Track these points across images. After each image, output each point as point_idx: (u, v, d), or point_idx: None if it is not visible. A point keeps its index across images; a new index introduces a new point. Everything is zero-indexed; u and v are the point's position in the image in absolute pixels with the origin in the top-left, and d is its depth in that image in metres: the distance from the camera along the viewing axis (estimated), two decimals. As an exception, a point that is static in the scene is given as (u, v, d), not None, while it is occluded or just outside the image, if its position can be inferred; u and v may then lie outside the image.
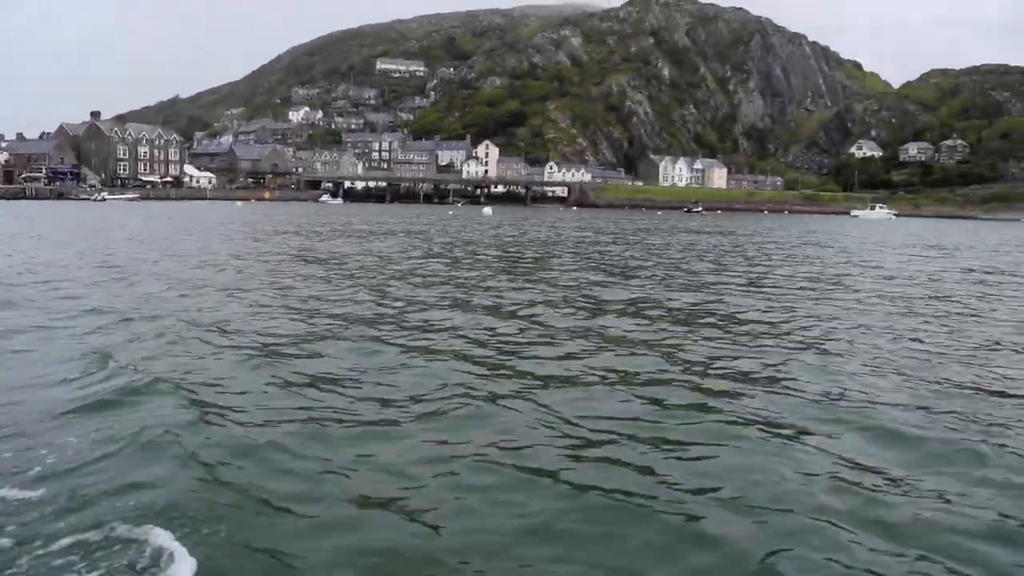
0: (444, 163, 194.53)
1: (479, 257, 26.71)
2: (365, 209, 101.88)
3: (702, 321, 13.28)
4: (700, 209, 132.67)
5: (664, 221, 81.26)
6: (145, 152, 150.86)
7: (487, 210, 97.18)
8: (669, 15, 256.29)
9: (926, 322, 13.82)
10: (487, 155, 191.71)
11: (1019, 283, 22.38)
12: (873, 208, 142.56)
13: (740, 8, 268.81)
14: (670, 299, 15.99)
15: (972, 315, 15.01)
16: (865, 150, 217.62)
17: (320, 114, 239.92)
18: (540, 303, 14.77)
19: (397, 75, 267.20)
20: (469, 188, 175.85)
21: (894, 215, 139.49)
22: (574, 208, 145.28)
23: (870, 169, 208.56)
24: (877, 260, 30.37)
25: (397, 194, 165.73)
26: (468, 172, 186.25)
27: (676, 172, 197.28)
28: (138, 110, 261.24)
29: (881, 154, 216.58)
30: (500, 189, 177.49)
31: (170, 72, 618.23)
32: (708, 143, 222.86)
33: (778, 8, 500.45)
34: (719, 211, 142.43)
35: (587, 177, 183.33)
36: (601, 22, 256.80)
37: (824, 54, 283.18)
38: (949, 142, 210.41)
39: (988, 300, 17.76)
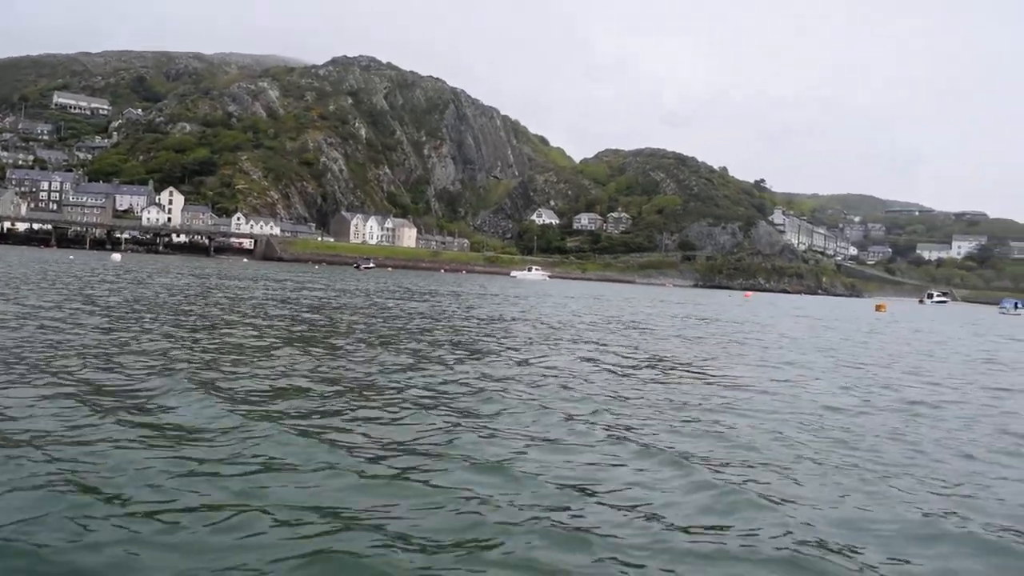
0: (123, 208, 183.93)
1: None
2: None
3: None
4: (372, 265, 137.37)
5: (319, 274, 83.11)
6: None
7: (116, 256, 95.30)
8: (369, 78, 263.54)
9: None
10: (171, 202, 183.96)
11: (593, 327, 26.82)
12: (530, 270, 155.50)
13: (438, 78, 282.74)
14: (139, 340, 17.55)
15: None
16: (544, 218, 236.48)
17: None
18: None
19: (77, 111, 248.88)
20: (148, 235, 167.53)
21: (548, 276, 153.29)
22: (246, 260, 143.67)
23: (548, 235, 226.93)
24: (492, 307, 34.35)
25: (64, 238, 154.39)
26: (149, 219, 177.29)
27: (367, 230, 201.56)
28: None
29: (558, 222, 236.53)
30: (183, 238, 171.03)
31: None
32: (402, 203, 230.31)
33: (474, 82, 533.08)
34: (389, 268, 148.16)
35: (276, 231, 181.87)
36: (301, 78, 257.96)
37: (514, 128, 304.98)
38: (615, 214, 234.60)
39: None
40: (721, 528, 6.19)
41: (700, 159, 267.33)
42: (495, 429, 9.20)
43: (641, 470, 7.75)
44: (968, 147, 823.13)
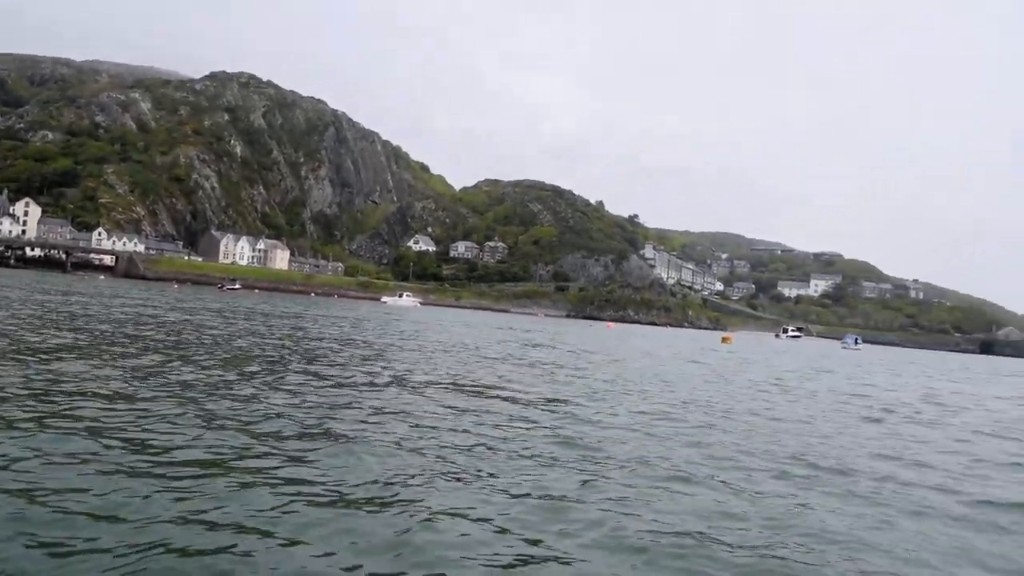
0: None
1: None
2: None
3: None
4: (237, 286, 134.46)
5: (175, 294, 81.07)
6: None
7: None
8: (248, 95, 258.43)
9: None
10: (27, 214, 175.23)
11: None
12: (401, 296, 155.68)
13: (319, 99, 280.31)
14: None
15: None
16: (422, 244, 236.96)
17: None
18: None
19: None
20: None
21: (419, 303, 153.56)
22: (103, 277, 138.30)
23: (424, 262, 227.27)
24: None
25: None
26: (0, 230, 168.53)
27: (238, 250, 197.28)
28: None
29: (435, 249, 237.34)
30: (37, 252, 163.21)
31: None
32: (276, 224, 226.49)
33: (357, 105, 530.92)
34: (256, 290, 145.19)
35: (140, 248, 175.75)
36: (176, 91, 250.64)
37: (395, 153, 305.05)
38: (492, 243, 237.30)
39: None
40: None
41: (577, 192, 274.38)
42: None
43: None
44: (828, 189, 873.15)
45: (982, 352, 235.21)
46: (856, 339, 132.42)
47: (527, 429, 12.76)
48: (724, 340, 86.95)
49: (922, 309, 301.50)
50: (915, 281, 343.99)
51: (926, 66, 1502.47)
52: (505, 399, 16.54)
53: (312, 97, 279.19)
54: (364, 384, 17.06)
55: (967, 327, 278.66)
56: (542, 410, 15.35)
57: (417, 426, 12.17)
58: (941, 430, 18.28)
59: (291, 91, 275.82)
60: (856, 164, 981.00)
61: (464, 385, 18.47)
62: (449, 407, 14.51)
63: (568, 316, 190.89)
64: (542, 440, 11.84)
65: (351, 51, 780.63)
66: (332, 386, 16.19)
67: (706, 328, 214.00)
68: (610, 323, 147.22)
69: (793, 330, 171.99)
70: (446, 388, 17.64)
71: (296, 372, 18.11)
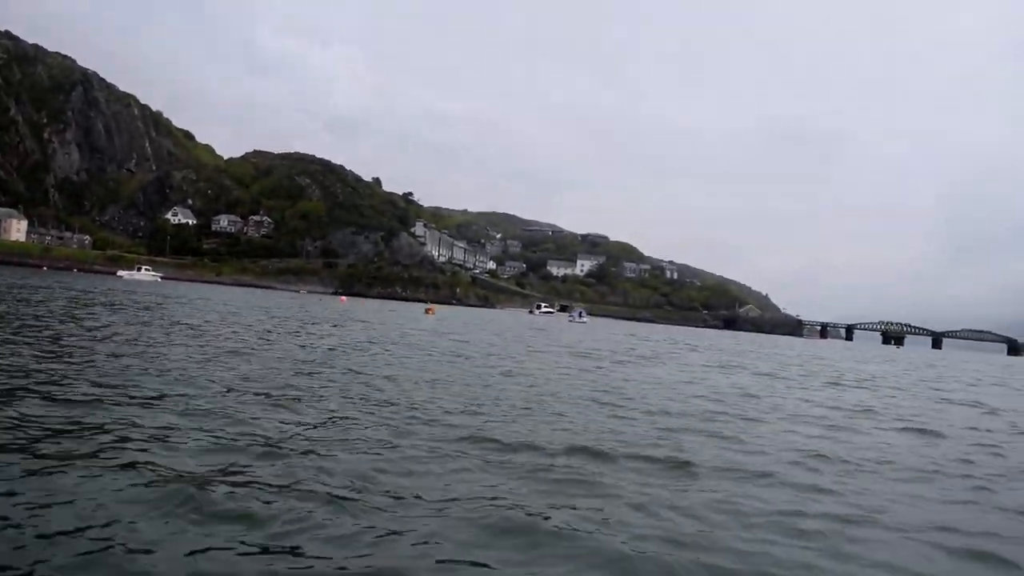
0: None
1: None
2: None
3: None
4: None
5: None
6: None
7: None
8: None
9: None
10: None
11: None
12: (139, 270, 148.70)
13: (66, 56, 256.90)
14: None
15: None
16: (180, 217, 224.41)
17: None
18: None
19: None
20: None
21: (160, 278, 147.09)
22: None
23: (183, 235, 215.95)
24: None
25: None
26: None
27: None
28: None
29: (195, 222, 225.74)
30: None
31: None
32: (14, 191, 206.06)
33: (111, 68, 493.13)
34: None
35: None
36: None
37: (155, 119, 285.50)
38: (257, 217, 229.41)
39: None
40: None
41: (352, 168, 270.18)
42: None
43: None
44: (600, 176, 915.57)
45: (726, 327, 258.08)
46: (581, 312, 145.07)
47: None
48: (427, 312, 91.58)
49: (675, 288, 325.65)
50: (671, 263, 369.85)
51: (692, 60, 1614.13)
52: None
53: (59, 53, 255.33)
54: None
55: (715, 305, 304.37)
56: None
57: None
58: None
59: (34, 44, 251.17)
60: (628, 154, 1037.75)
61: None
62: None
63: (335, 293, 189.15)
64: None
65: (109, 9, 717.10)
66: None
67: (474, 305, 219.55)
68: (342, 297, 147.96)
69: (546, 307, 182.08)
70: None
71: None
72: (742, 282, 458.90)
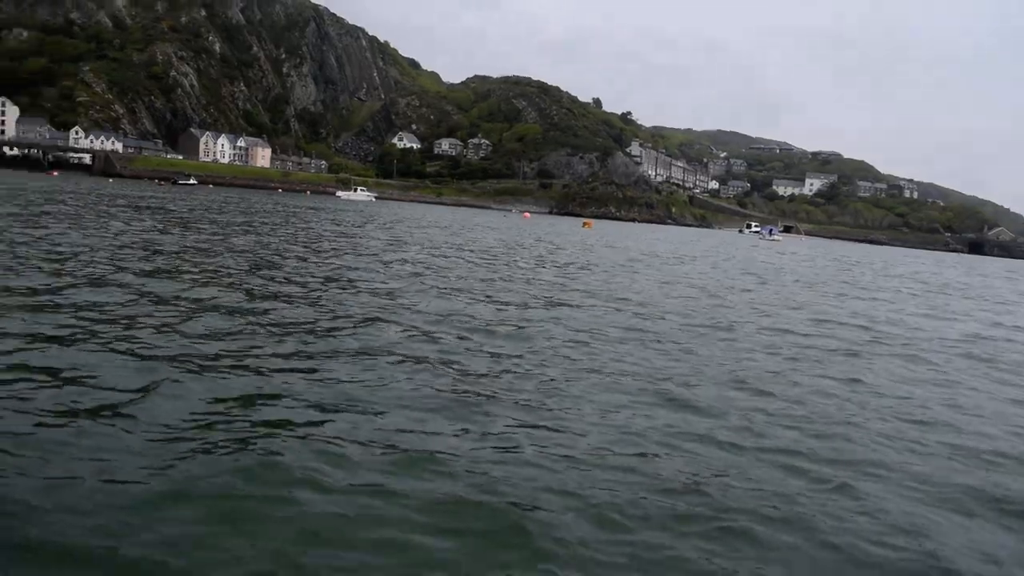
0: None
1: None
2: None
3: None
4: (192, 182, 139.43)
5: (111, 188, 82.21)
6: None
7: None
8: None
9: None
10: (3, 113, 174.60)
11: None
12: (355, 190, 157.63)
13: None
14: None
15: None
16: (405, 142, 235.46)
17: None
18: None
19: None
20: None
21: (374, 198, 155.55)
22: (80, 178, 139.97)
23: (408, 159, 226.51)
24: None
25: None
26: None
27: (218, 148, 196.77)
28: None
29: (419, 147, 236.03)
30: (15, 152, 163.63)
31: None
32: (259, 122, 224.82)
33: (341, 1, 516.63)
34: (211, 184, 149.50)
35: (118, 146, 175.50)
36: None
37: (382, 50, 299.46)
38: (475, 140, 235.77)
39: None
40: None
41: (568, 89, 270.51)
42: None
43: None
44: (833, 94, 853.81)
45: (971, 252, 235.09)
46: (772, 229, 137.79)
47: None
48: (585, 225, 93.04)
49: (913, 208, 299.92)
50: (910, 181, 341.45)
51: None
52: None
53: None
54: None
55: (959, 227, 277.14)
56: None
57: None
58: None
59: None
60: (859, 67, 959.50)
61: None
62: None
63: (551, 213, 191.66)
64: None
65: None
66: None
67: (690, 225, 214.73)
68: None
69: (756, 226, 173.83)
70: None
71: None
72: (998, 203, 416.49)
